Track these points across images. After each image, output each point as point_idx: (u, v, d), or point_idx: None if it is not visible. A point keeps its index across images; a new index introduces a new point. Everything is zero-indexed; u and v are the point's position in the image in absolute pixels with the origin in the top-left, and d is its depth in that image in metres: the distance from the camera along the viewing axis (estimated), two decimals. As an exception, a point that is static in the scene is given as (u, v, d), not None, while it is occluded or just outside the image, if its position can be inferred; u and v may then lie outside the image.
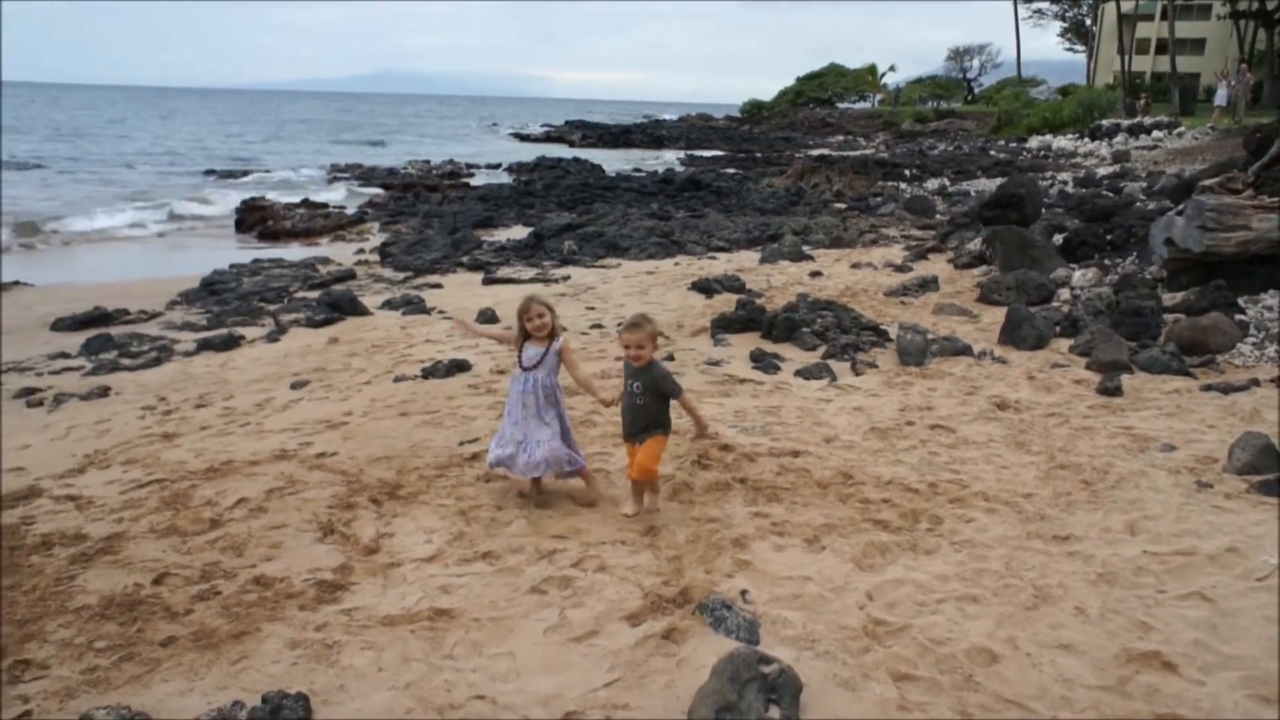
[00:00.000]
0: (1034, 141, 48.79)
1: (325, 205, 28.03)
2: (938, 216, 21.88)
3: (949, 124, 72.06)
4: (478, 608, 4.25)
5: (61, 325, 12.17)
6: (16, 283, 15.91)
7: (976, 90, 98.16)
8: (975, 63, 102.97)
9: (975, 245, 15.18)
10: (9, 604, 4.34)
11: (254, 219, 24.56)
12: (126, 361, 10.07)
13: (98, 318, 12.36)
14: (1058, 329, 10.03)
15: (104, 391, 8.79)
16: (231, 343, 10.72)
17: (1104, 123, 46.72)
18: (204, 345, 10.64)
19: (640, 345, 5.10)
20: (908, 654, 3.80)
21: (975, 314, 11.15)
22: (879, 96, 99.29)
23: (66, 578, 4.63)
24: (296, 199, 29.78)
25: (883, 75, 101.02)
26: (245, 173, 40.17)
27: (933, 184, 30.49)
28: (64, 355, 10.58)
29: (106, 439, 7.28)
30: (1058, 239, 14.73)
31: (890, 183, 31.08)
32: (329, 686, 3.67)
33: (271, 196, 30.67)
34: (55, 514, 5.59)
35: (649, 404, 5.20)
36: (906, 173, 33.99)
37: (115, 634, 4.09)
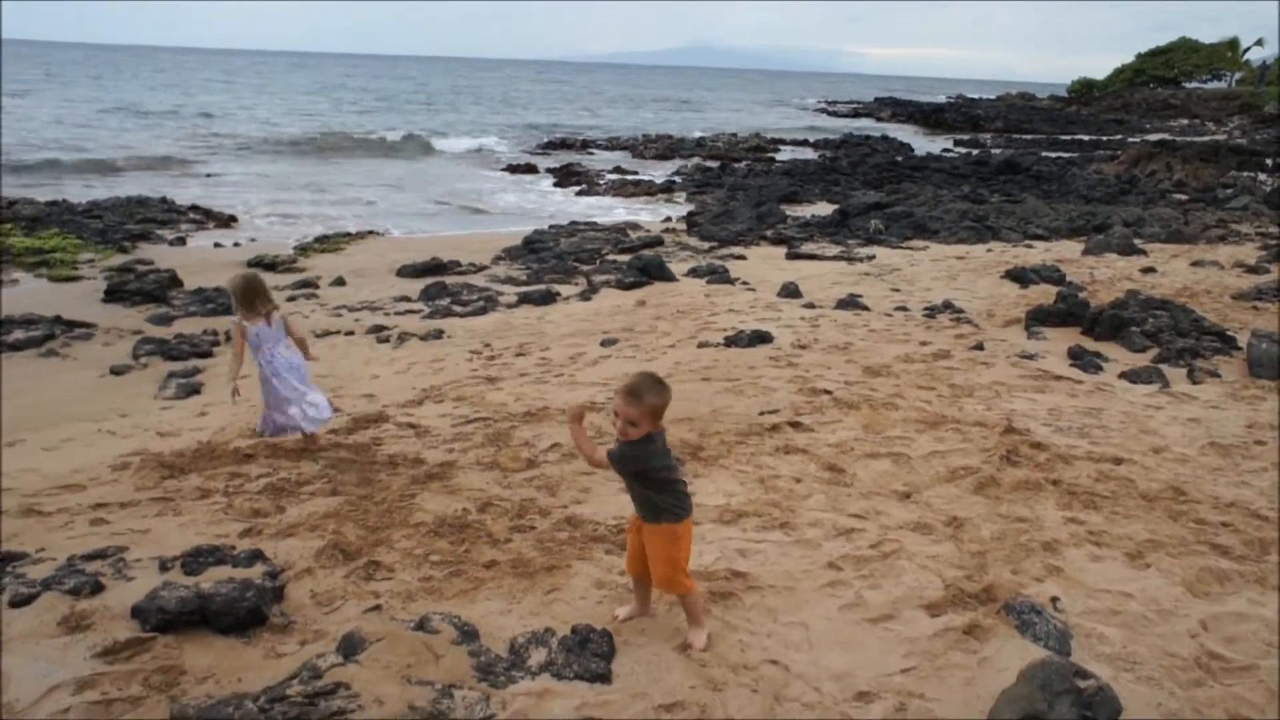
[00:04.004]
0: None
1: (635, 173, 29.16)
2: (1305, 213, 19.20)
3: (1327, 107, 62.76)
4: (774, 575, 4.29)
5: (405, 272, 13.58)
6: (372, 232, 17.93)
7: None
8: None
9: (1353, 248, 13.18)
10: (364, 512, 4.93)
11: (571, 182, 26.04)
12: (458, 309, 11.07)
13: (434, 267, 13.67)
14: None
15: (439, 334, 9.71)
16: (549, 298, 11.47)
17: None
18: (524, 299, 11.47)
19: (631, 421, 3.51)
20: (1253, 698, 3.40)
21: (1349, 327, 9.69)
22: (1238, 75, 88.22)
23: (408, 495, 5.19)
24: (609, 166, 31.24)
25: (1245, 50, 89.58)
26: (564, 141, 42.61)
27: (1300, 176, 26.75)
28: (406, 299, 11.81)
29: (440, 376, 8.05)
30: None
31: (1246, 173, 27.62)
32: (631, 629, 3.85)
33: (586, 163, 32.39)
34: (399, 438, 6.27)
35: (633, 487, 3.70)
36: (1268, 162, 30.02)
37: (447, 551, 4.53)
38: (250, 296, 5.95)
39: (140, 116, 44.47)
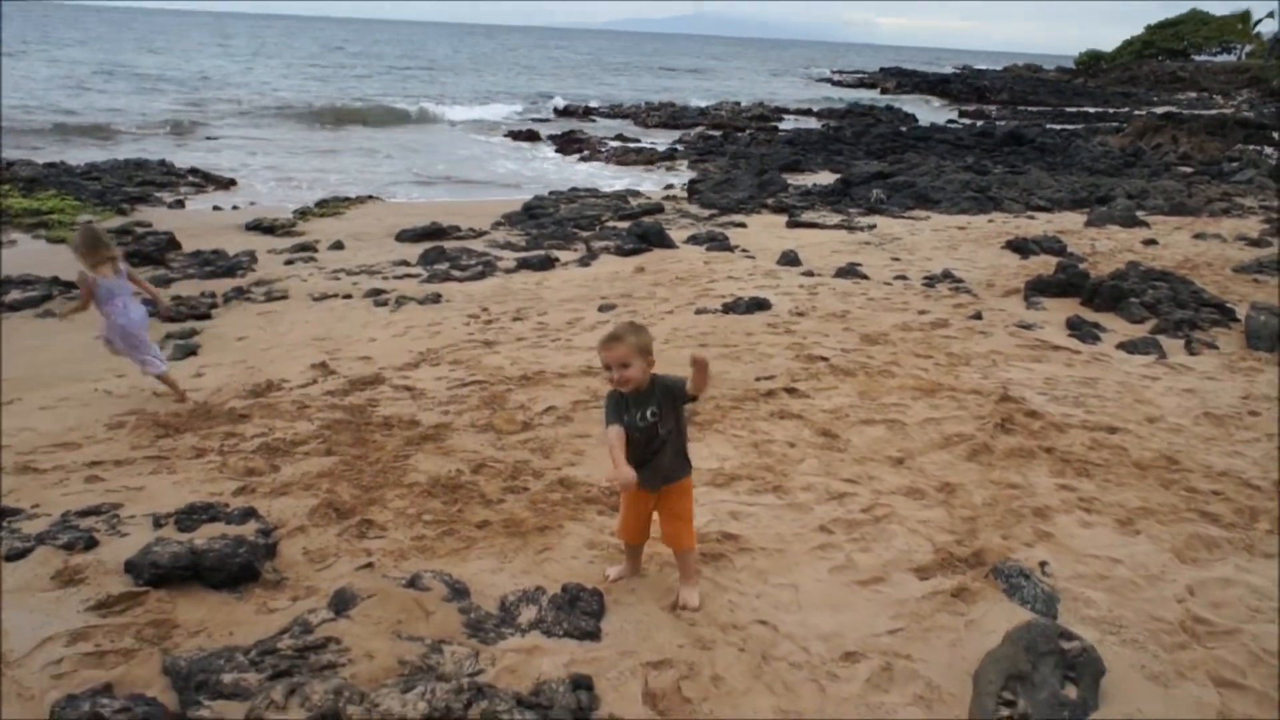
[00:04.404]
0: None
1: (637, 140, 29.01)
2: (1309, 187, 19.10)
3: (1337, 82, 62.17)
4: (765, 538, 4.31)
5: (404, 237, 13.54)
6: (371, 197, 17.86)
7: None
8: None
9: (1356, 222, 13.11)
10: (358, 472, 4.95)
11: (572, 149, 25.92)
12: (456, 273, 11.04)
13: (434, 232, 13.63)
14: None
15: (436, 298, 9.69)
16: (547, 264, 11.44)
17: None
18: (523, 264, 11.44)
19: (624, 363, 3.49)
20: (1235, 660, 3.43)
21: (1349, 300, 9.66)
22: (1248, 48, 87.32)
23: (402, 456, 5.21)
24: (612, 133, 31.07)
25: (1257, 22, 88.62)
26: (567, 109, 42.31)
27: (1306, 150, 26.57)
28: (405, 263, 11.78)
29: (437, 340, 8.04)
30: None
31: (1252, 146, 27.45)
32: (621, 588, 3.88)
33: (589, 130, 32.23)
34: (395, 400, 6.28)
35: (674, 431, 3.63)
36: (1275, 135, 29.82)
37: (440, 510, 4.55)
38: (95, 248, 6.23)
39: (138, 79, 44.16)
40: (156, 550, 3.79)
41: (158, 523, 4.24)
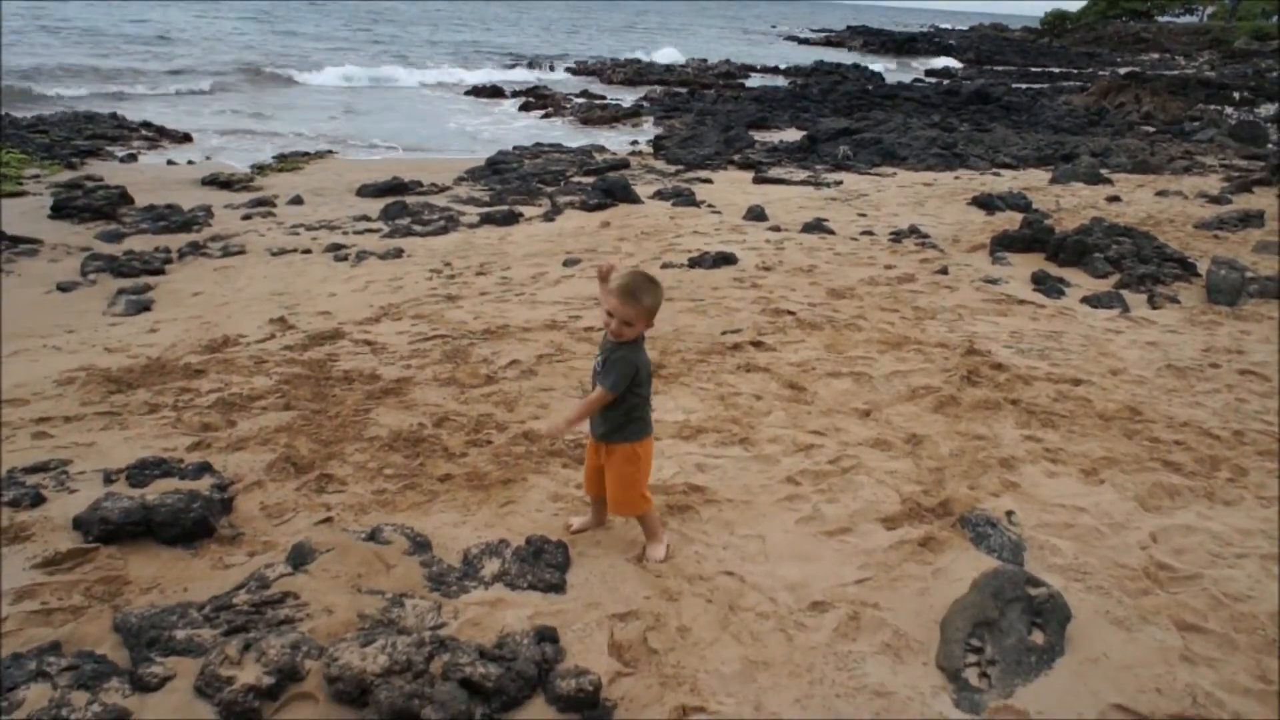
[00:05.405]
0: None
1: (603, 97, 28.67)
2: (1270, 146, 19.30)
3: (1296, 43, 62.59)
4: (732, 489, 4.27)
5: (365, 192, 13.27)
6: (331, 152, 17.50)
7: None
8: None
9: (1315, 180, 13.24)
10: (317, 426, 4.84)
11: (537, 106, 25.56)
12: (418, 228, 10.83)
13: (395, 187, 13.36)
14: None
15: (398, 253, 9.51)
16: (511, 219, 11.26)
17: None
18: (486, 219, 11.26)
19: (628, 322, 3.37)
20: (1197, 605, 3.45)
21: (1307, 256, 9.77)
22: (1210, 9, 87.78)
23: (363, 410, 5.10)
24: (577, 90, 30.66)
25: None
26: (531, 64, 41.66)
27: (1268, 109, 26.82)
28: (366, 218, 11.55)
29: (399, 295, 7.89)
30: None
31: (1213, 106, 27.65)
32: (586, 540, 3.83)
33: (554, 87, 31.79)
34: (355, 354, 6.15)
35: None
36: (1235, 96, 30.04)
37: (401, 464, 4.46)
38: None
39: (87, 33, 42.80)
40: (106, 506, 3.67)
41: (108, 479, 4.11)
